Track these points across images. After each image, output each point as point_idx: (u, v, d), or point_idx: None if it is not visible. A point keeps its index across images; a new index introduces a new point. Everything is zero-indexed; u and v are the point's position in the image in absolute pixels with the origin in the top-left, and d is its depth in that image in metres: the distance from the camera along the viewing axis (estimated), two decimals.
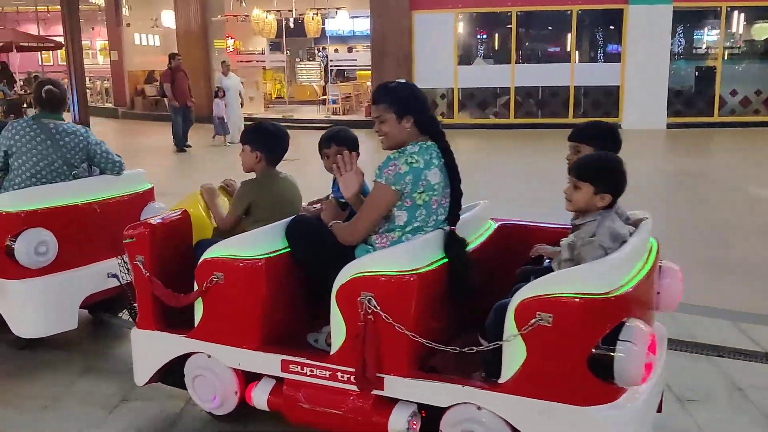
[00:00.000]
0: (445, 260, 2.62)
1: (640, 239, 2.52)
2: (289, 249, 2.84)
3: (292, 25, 20.19)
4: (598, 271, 2.30)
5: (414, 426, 2.50)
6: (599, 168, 2.53)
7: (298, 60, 24.32)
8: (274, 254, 2.78)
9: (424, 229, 2.65)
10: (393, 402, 2.55)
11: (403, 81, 2.86)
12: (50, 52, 25.67)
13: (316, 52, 24.42)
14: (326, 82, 20.33)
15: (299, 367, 2.68)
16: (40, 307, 3.73)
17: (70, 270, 3.80)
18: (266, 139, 3.26)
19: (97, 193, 3.96)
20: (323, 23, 20.72)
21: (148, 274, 2.99)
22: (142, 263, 3.01)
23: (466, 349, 2.43)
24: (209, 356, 2.90)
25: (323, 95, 19.86)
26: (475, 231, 3.03)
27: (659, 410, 2.75)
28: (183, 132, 12.93)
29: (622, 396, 2.30)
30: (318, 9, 19.85)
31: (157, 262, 3.03)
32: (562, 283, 2.26)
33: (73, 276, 3.81)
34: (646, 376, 2.27)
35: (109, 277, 3.70)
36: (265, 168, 3.27)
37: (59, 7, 21.82)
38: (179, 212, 3.31)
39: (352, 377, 2.55)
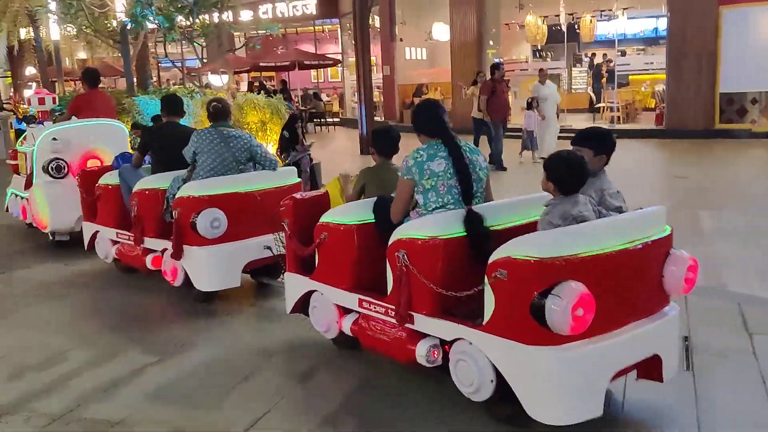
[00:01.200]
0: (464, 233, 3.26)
1: (605, 222, 3.11)
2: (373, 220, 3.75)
3: (564, 30, 19.32)
4: (538, 239, 2.93)
5: (434, 354, 3.23)
6: (551, 165, 3.18)
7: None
8: (363, 222, 3.72)
9: (446, 207, 3.40)
10: (422, 335, 3.31)
11: (419, 103, 3.88)
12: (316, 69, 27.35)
13: (583, 56, 23.18)
14: (597, 89, 19.12)
15: (367, 304, 3.61)
16: (214, 267, 5.01)
17: (236, 241, 5.00)
18: (377, 137, 4.27)
19: (257, 184, 5.17)
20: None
21: (288, 232, 4.14)
22: (287, 224, 4.16)
23: (463, 294, 3.10)
24: (321, 294, 3.96)
25: (597, 103, 18.65)
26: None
27: (660, 379, 3.20)
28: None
29: (567, 343, 2.78)
30: (601, 11, 18.63)
31: (298, 225, 4.12)
32: (516, 247, 2.84)
33: (238, 246, 5.02)
34: (577, 327, 2.72)
35: (264, 249, 4.99)
36: (379, 159, 4.20)
37: (336, 27, 23.08)
38: (322, 191, 4.62)
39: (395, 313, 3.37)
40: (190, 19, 11.20)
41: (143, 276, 5.80)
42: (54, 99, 8.76)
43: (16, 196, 7.87)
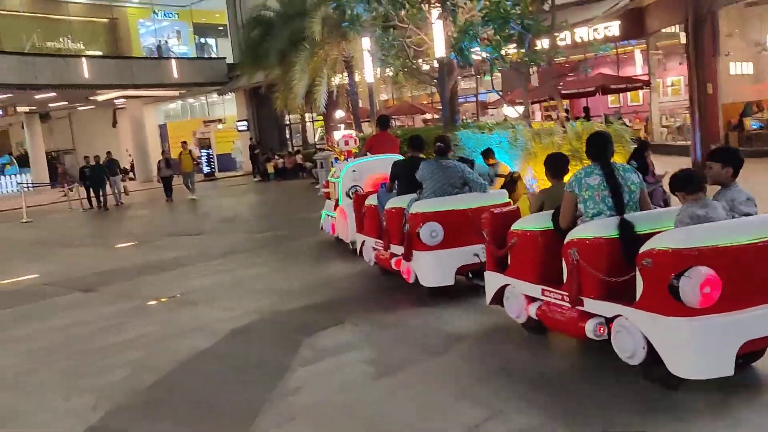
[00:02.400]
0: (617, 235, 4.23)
1: (731, 222, 3.99)
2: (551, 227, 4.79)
3: None
4: (673, 235, 3.84)
5: (600, 330, 4.17)
6: (678, 179, 4.17)
7: None
8: (544, 229, 4.80)
9: (602, 214, 4.44)
10: (590, 315, 4.26)
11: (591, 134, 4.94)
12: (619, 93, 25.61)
13: None
14: None
15: (548, 292, 4.67)
16: (433, 268, 6.34)
17: (451, 249, 6.19)
18: (549, 163, 5.39)
19: (469, 203, 6.37)
20: None
21: (487, 238, 5.37)
22: (485, 233, 5.40)
23: (620, 279, 4.02)
24: (513, 286, 5.05)
25: None
26: None
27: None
28: None
29: (699, 315, 3.61)
30: None
31: (495, 233, 5.31)
32: (658, 241, 3.78)
33: (453, 252, 6.22)
34: (704, 302, 3.55)
35: (473, 255, 5.98)
36: (553, 181, 5.30)
37: (634, 48, 21.15)
38: (515, 207, 5.82)
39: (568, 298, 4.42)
40: (517, 47, 10.76)
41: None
42: (355, 140, 11.54)
43: (328, 216, 10.10)
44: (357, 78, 22.12)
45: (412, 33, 13.74)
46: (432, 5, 12.54)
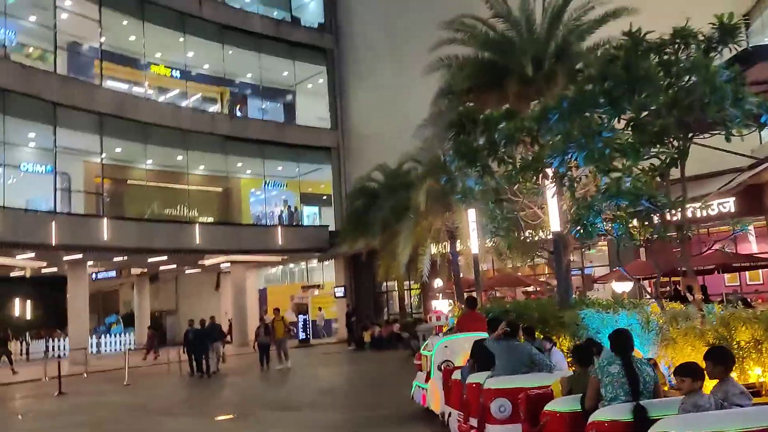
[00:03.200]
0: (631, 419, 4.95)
1: (723, 413, 4.63)
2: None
3: None
4: (676, 420, 4.51)
5: None
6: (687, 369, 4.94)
7: None
8: (572, 411, 5.55)
9: (618, 398, 5.19)
10: None
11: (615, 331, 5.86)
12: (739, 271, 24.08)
13: None
14: None
15: None
16: None
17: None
18: (577, 353, 6.53)
19: (535, 382, 6.98)
20: None
21: (522, 416, 6.43)
22: (522, 412, 6.50)
23: None
24: None
25: None
26: None
27: None
28: None
29: None
30: None
31: (530, 411, 6.17)
32: (664, 425, 4.41)
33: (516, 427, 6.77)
34: None
35: None
36: (579, 368, 6.32)
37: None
38: (548, 389, 6.55)
39: None
40: (645, 223, 10.17)
41: None
42: (446, 316, 13.17)
43: (419, 387, 10.79)
44: (459, 247, 21.97)
45: (525, 206, 13.48)
46: (547, 179, 12.30)
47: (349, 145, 36.52)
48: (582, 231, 10.48)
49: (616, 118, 10.07)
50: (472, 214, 17.42)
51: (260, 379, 18.72)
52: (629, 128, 9.33)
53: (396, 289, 32.41)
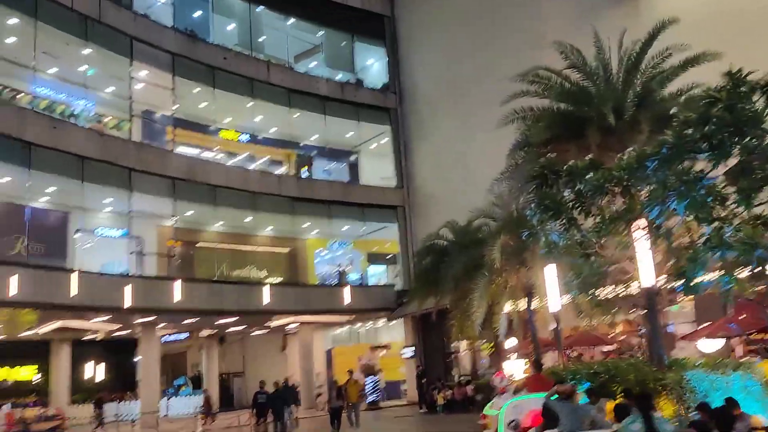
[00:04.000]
0: None
1: None
2: None
3: None
4: None
5: None
6: None
7: None
8: None
9: None
10: None
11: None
12: None
13: None
14: None
15: None
16: None
17: None
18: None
19: None
20: None
21: None
22: None
23: None
24: None
25: None
26: None
27: None
28: None
29: None
30: None
31: None
32: None
33: None
34: None
35: None
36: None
37: None
38: None
39: None
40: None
41: None
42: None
43: None
44: (534, 305, 21.09)
45: (614, 260, 12.78)
46: (638, 230, 11.62)
47: (415, 202, 36.31)
48: (686, 284, 9.78)
49: (716, 165, 9.48)
50: (551, 270, 16.72)
51: None
52: (739, 173, 8.69)
53: (466, 348, 31.47)
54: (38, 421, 30.20)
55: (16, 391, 39.07)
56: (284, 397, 19.88)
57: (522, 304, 21.87)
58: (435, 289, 24.93)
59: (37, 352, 37.08)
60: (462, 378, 29.83)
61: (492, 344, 28.24)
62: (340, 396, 20.06)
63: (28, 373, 42.29)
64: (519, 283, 20.82)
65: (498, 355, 26.95)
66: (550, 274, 16.84)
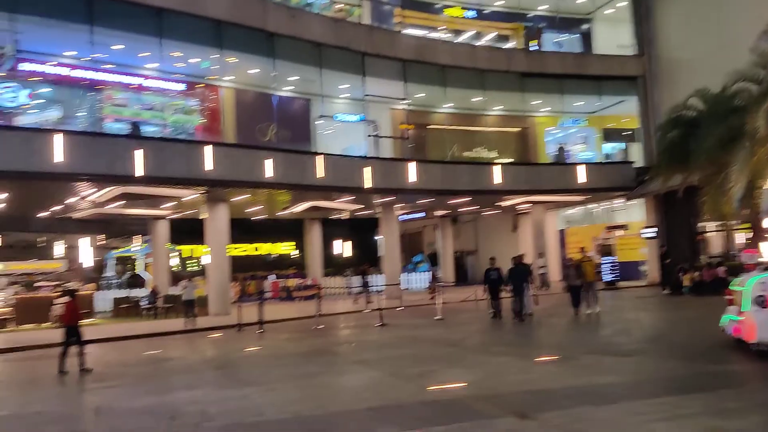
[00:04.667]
0: None
1: None
2: None
3: None
4: None
5: None
6: None
7: None
8: None
9: None
10: None
11: None
12: None
13: None
14: None
15: None
16: None
17: None
18: None
19: None
20: None
21: None
22: None
23: None
24: None
25: None
26: None
27: None
28: None
29: None
30: None
31: None
32: None
33: None
34: None
35: None
36: None
37: None
38: None
39: None
40: None
41: None
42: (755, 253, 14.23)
43: (731, 320, 11.35)
44: None
45: None
46: None
47: (657, 71, 33.01)
48: None
49: None
50: None
51: (573, 323, 17.80)
52: None
53: (718, 228, 28.89)
54: (299, 289, 34.14)
55: (279, 264, 44.48)
56: (522, 273, 19.24)
57: None
58: (682, 165, 22.75)
59: (294, 230, 41.49)
60: (712, 259, 27.61)
61: (749, 224, 25.52)
62: (579, 274, 19.45)
63: (287, 248, 47.71)
64: None
65: (756, 234, 24.29)
66: None
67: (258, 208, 32.68)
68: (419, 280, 37.73)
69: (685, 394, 8.02)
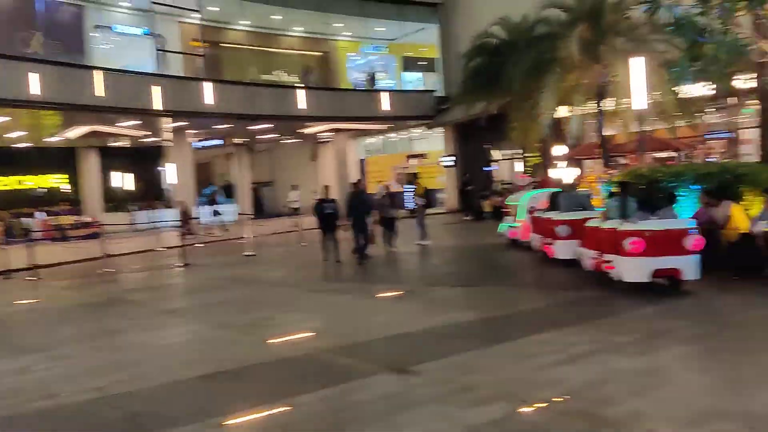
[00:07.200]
0: None
1: None
2: None
3: None
4: None
5: None
6: None
7: None
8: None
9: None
10: None
11: None
12: None
13: None
14: None
15: None
16: None
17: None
18: None
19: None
20: None
21: None
22: None
23: None
24: None
25: None
26: None
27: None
28: None
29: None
30: None
31: None
32: None
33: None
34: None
35: None
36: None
37: None
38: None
39: None
40: None
41: None
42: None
43: (510, 227, 15.30)
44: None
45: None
46: None
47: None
48: None
49: None
50: (637, 63, 14.67)
51: (398, 256, 16.70)
52: None
53: (504, 158, 30.19)
54: (75, 228, 29.81)
55: (50, 200, 38.69)
56: (365, 203, 15.33)
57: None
58: (487, 93, 22.91)
59: (66, 160, 36.04)
60: (505, 186, 28.71)
61: (538, 153, 26.60)
62: (393, 205, 17.93)
63: (59, 181, 41.79)
64: (595, 80, 18.65)
65: (544, 163, 25.43)
66: (637, 68, 14.84)
67: (22, 134, 27.68)
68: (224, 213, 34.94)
69: (564, 328, 7.30)
